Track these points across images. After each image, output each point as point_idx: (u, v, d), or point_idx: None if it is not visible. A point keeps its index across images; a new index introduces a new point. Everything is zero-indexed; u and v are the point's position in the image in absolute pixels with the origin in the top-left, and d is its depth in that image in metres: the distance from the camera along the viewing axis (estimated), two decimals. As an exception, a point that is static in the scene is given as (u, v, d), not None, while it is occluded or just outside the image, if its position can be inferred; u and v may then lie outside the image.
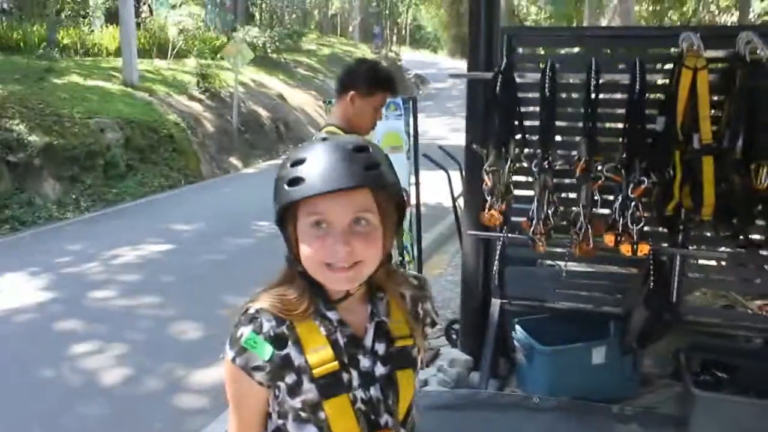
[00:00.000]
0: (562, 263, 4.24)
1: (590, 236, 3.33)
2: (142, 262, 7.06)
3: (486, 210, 3.55)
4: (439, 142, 5.62)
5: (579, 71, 3.48)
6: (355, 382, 1.29)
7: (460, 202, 4.28)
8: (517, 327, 3.93)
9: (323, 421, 1.27)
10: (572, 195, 3.54)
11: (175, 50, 18.86)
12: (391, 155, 4.06)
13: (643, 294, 3.40)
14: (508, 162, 3.46)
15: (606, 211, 3.44)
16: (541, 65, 3.42)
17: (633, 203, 3.23)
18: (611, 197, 3.36)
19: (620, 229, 3.28)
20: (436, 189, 5.27)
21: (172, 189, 12.28)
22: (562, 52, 4.70)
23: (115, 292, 6.08)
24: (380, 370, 1.32)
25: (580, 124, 3.44)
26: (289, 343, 1.27)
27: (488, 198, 3.52)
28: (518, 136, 3.52)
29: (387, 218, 1.25)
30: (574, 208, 3.42)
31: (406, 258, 4.38)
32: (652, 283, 3.33)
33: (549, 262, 4.42)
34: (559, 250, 3.67)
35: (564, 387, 3.69)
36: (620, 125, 3.40)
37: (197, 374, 4.43)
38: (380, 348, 1.32)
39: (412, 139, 4.27)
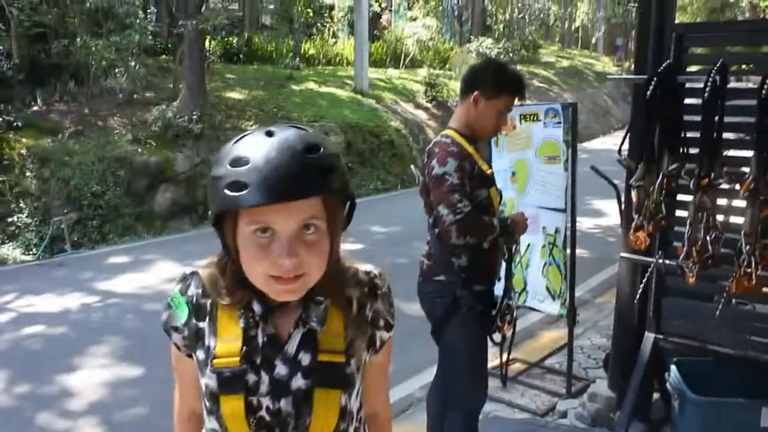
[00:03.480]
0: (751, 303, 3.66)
1: (754, 271, 2.76)
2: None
3: (632, 231, 3.13)
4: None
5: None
6: (263, 388, 1.16)
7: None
8: (673, 368, 3.40)
9: (221, 418, 1.17)
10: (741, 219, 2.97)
11: (408, 59, 19.60)
12: (548, 166, 3.75)
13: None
14: (660, 177, 3.00)
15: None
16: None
17: (813, 235, 2.62)
18: (788, 226, 2.76)
19: (795, 265, 2.68)
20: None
21: (387, 192, 12.71)
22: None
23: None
24: (299, 382, 1.17)
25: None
26: (207, 319, 1.20)
27: (635, 217, 3.10)
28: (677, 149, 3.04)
29: (336, 222, 1.13)
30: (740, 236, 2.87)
31: (552, 279, 4.03)
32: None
33: (740, 300, 3.79)
34: (723, 283, 3.11)
35: (719, 447, 3.12)
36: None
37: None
38: (305, 358, 1.17)
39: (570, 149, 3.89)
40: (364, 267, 1.29)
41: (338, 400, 1.18)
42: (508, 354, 3.22)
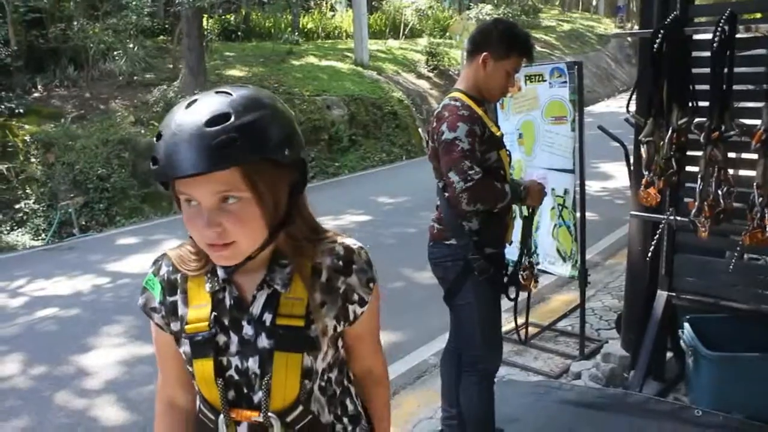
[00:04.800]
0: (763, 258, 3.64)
1: (767, 223, 2.73)
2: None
3: (643, 187, 3.09)
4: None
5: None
6: (233, 348, 1.20)
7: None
8: (686, 325, 3.40)
9: (195, 381, 1.23)
10: (753, 173, 2.93)
11: (408, 30, 19.41)
12: (555, 126, 3.69)
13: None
14: (669, 132, 2.96)
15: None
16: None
17: (827, 184, 2.59)
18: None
19: (808, 216, 2.65)
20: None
21: (392, 163, 12.66)
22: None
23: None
24: (263, 342, 1.19)
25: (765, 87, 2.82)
26: (179, 291, 1.24)
27: (645, 174, 3.06)
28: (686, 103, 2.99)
29: (265, 190, 1.09)
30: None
31: (562, 240, 4.00)
32: None
33: (752, 255, 3.76)
34: (735, 238, 3.08)
35: (735, 402, 3.12)
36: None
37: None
38: (268, 319, 1.20)
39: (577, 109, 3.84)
40: (346, 240, 1.27)
41: (299, 362, 1.19)
42: (527, 312, 3.19)
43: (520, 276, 2.85)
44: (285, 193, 1.15)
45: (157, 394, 1.37)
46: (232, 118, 1.04)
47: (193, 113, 1.05)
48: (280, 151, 1.08)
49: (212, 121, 1.03)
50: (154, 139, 1.08)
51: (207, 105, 1.06)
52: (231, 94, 1.08)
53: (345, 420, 1.31)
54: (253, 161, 1.06)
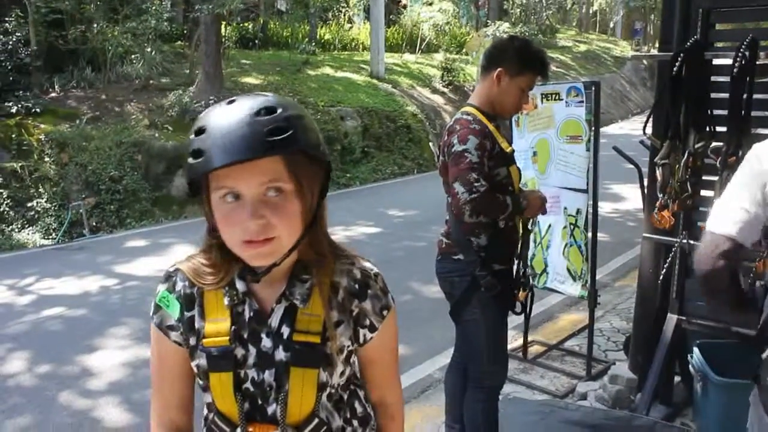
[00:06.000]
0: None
1: (782, 250, 2.70)
2: (345, 242, 7.36)
3: (657, 210, 3.08)
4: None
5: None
6: (251, 360, 1.20)
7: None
8: (695, 350, 3.36)
9: (211, 392, 1.22)
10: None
11: (424, 44, 19.49)
12: (569, 146, 3.67)
13: None
14: (686, 155, 2.95)
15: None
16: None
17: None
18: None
19: (824, 244, 2.62)
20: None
21: (404, 176, 12.66)
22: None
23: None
24: (280, 355, 1.19)
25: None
26: (196, 306, 1.23)
27: (660, 196, 3.05)
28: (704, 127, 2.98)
29: (305, 185, 1.11)
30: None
31: (572, 260, 3.98)
32: None
33: (765, 281, 3.73)
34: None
35: (744, 430, 3.08)
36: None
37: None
38: (286, 332, 1.20)
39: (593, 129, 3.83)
40: (364, 263, 1.28)
41: (315, 377, 1.19)
42: (527, 320, 3.10)
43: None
44: (317, 191, 1.16)
45: (154, 419, 1.33)
46: (280, 110, 1.07)
47: (239, 107, 1.08)
48: (319, 149, 1.12)
49: (261, 112, 1.06)
50: (193, 135, 1.09)
51: (251, 100, 1.10)
52: (269, 96, 1.12)
53: (354, 423, 1.31)
54: (296, 154, 1.08)
